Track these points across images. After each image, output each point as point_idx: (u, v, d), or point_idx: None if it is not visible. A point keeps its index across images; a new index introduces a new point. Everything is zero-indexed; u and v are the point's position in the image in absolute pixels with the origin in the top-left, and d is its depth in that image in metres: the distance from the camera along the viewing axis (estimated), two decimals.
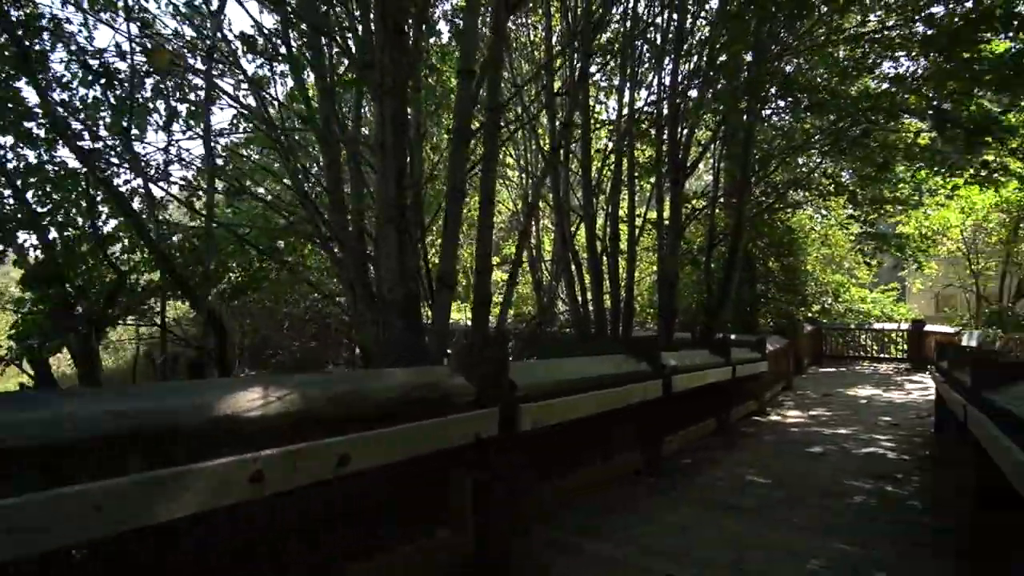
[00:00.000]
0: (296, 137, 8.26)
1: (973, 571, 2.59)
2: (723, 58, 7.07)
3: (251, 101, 6.44)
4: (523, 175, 15.22)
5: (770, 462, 4.54)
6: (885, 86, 8.89)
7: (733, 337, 9.49)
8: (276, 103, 6.31)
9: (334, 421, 1.77)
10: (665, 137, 8.69)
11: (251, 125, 7.39)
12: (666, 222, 8.72)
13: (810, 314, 13.65)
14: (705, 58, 8.30)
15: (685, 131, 8.76)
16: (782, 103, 9.79)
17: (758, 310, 14.20)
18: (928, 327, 10.92)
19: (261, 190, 9.03)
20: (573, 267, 9.55)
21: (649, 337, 8.18)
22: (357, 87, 5.48)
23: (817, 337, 12.25)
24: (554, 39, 10.04)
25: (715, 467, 4.34)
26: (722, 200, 10.43)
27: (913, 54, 8.87)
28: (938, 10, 7.85)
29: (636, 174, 10.14)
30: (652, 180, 9.39)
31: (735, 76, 7.61)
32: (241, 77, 6.36)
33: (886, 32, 8.65)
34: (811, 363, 11.81)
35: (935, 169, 9.55)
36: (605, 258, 8.94)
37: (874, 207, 12.03)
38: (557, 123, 8.59)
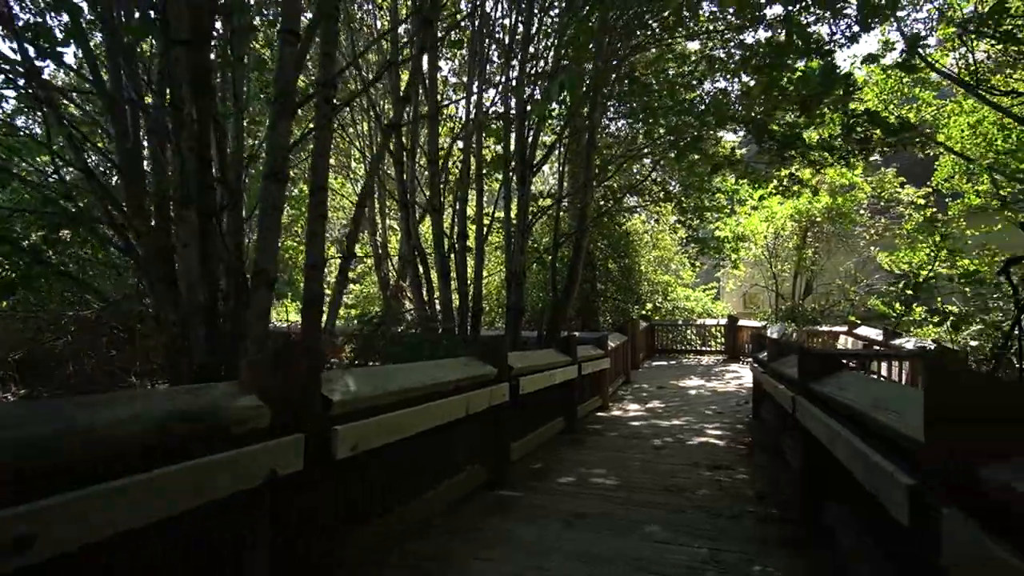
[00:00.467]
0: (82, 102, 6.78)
1: (811, 558, 2.62)
2: (569, 51, 7.12)
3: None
4: (366, 163, 14.40)
5: (616, 460, 4.50)
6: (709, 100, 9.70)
7: (578, 335, 9.73)
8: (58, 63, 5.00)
9: (30, 478, 1.15)
10: (513, 133, 8.60)
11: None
12: (514, 221, 8.63)
13: (644, 312, 14.63)
14: (551, 55, 8.35)
15: (531, 130, 8.77)
16: (621, 108, 10.28)
17: (599, 309, 14.91)
18: (741, 322, 12.25)
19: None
20: (419, 264, 9.09)
21: (495, 337, 7.99)
22: (140, 35, 4.49)
23: (650, 333, 13.16)
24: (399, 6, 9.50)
25: (565, 470, 4.18)
26: (567, 201, 10.67)
27: (729, 76, 9.92)
28: (750, 38, 8.78)
29: (484, 171, 9.98)
30: (500, 177, 9.28)
31: (581, 61, 7.74)
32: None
33: (710, 53, 9.53)
34: (646, 357, 12.60)
35: (747, 181, 10.66)
36: (453, 255, 8.62)
37: (696, 214, 13.21)
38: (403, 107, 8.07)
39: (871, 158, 8.05)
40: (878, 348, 7.60)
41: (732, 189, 13.03)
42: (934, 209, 10.56)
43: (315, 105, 5.18)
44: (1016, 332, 3.86)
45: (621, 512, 3.23)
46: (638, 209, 15.21)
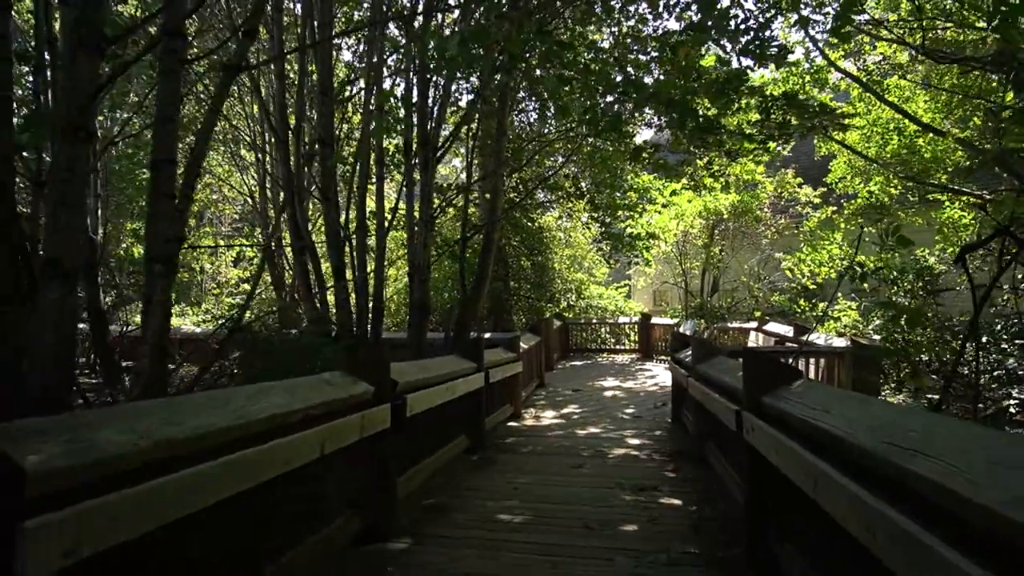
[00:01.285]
0: None
1: None
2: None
3: None
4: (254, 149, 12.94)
5: (528, 487, 3.81)
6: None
7: (489, 335, 9.02)
8: None
9: None
10: (415, 110, 7.73)
11: None
12: (417, 211, 7.77)
13: (557, 310, 14.20)
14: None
15: (436, 108, 7.96)
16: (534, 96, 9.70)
17: (512, 308, 14.33)
18: (653, 320, 12.11)
19: None
20: (309, 260, 8.01)
21: (371, 345, 7.08)
22: None
23: (564, 332, 12.75)
24: None
25: (466, 505, 3.43)
26: (476, 192, 9.96)
27: (641, 65, 9.65)
28: (662, 25, 8.50)
29: (386, 158, 9.04)
30: (402, 162, 8.39)
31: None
32: None
33: (623, 41, 9.18)
34: (560, 358, 12.15)
35: (661, 175, 10.45)
36: (350, 250, 7.63)
37: (609, 211, 12.94)
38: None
39: (790, 143, 7.97)
40: (792, 344, 7.50)
41: (644, 186, 12.87)
42: (833, 208, 10.87)
43: (161, 59, 4.13)
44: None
45: (536, 571, 2.52)
46: (551, 205, 14.79)
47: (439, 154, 8.10)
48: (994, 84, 7.67)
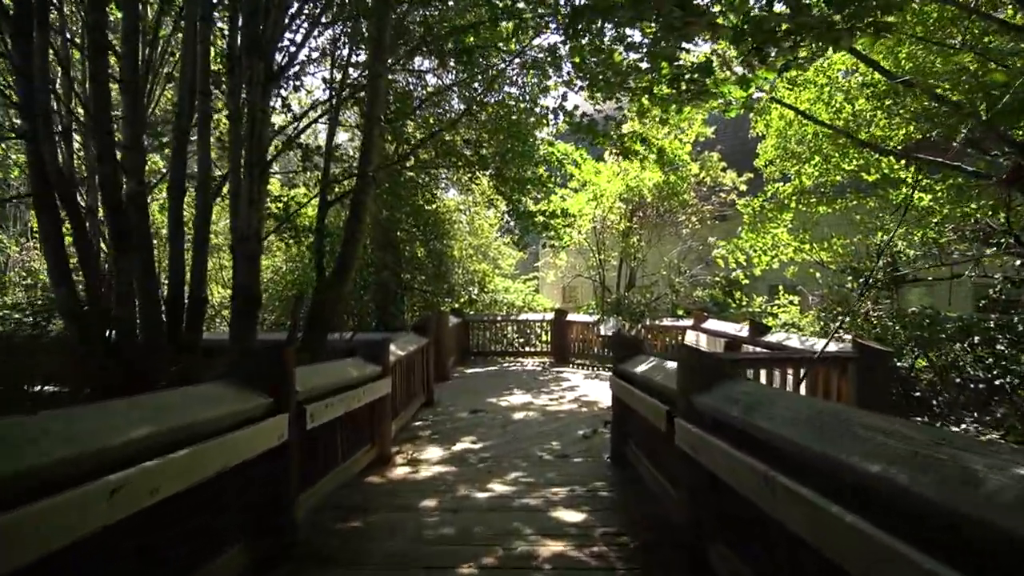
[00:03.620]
0: None
1: None
2: None
3: None
4: None
5: None
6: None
7: (348, 337, 6.64)
8: None
9: None
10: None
11: None
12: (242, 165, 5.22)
13: (457, 305, 11.98)
14: None
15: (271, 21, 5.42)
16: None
17: (404, 301, 11.92)
18: (570, 316, 10.25)
19: None
20: (70, 219, 5.19)
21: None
22: None
23: (464, 331, 10.54)
24: None
25: None
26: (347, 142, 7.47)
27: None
28: None
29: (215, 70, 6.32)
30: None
31: None
32: None
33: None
34: (457, 362, 9.93)
35: (582, 138, 8.56)
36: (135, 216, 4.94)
37: (518, 187, 10.91)
38: None
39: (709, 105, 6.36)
40: (763, 348, 5.77)
41: (559, 158, 10.95)
42: (769, 193, 9.49)
43: None
44: None
45: None
46: (448, 179, 12.54)
47: (284, 71, 5.58)
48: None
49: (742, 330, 6.80)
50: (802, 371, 4.47)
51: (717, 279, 12.23)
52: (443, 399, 6.85)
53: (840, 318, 6.52)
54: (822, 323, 6.95)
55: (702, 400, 2.31)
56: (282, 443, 2.40)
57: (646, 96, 6.27)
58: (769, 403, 1.94)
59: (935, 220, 6.97)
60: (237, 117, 5.34)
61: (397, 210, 11.44)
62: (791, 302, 8.81)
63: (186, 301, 5.28)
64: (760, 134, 10.58)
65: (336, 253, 6.43)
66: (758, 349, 5.74)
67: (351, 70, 6.69)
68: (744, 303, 9.77)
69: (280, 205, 6.73)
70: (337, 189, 7.04)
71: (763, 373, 4.71)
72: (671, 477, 2.80)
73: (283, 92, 6.75)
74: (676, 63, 4.97)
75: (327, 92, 6.78)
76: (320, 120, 7.08)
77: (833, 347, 4.88)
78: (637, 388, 3.40)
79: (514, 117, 9.65)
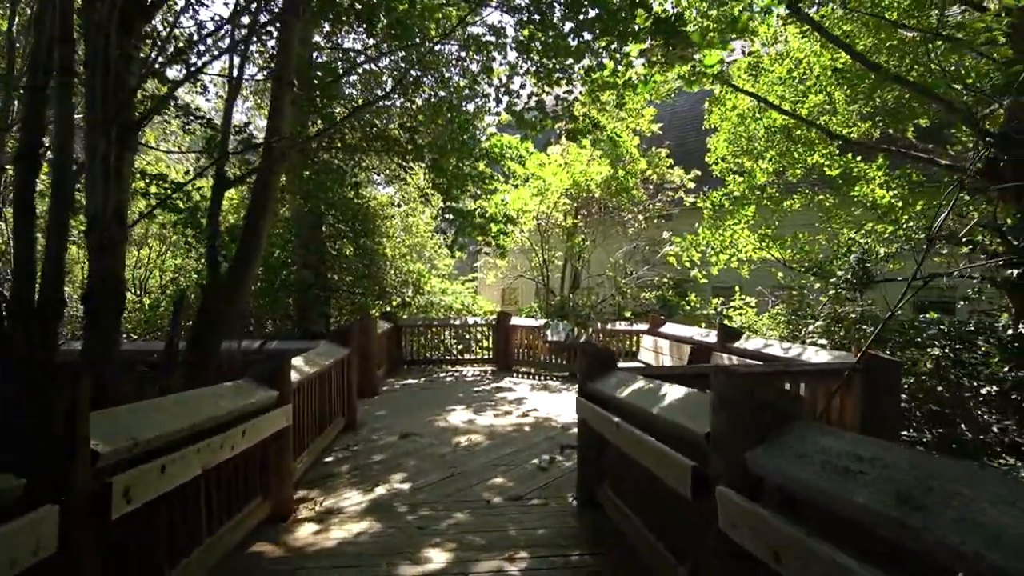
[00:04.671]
0: None
1: None
2: None
3: None
4: None
5: None
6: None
7: (256, 346, 5.48)
8: None
9: None
10: None
11: None
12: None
13: (389, 308, 10.85)
14: None
15: None
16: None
17: (330, 306, 10.66)
18: (514, 320, 9.35)
19: None
20: None
21: None
22: None
23: (396, 337, 9.43)
24: None
25: None
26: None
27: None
28: None
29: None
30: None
31: None
32: None
33: None
34: (389, 373, 8.82)
35: (526, 135, 7.78)
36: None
37: (455, 181, 9.93)
38: None
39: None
40: (734, 357, 5.07)
41: (501, 151, 10.06)
42: (731, 188, 8.97)
43: None
44: None
45: None
46: (377, 171, 11.41)
47: (159, 4, 4.37)
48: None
49: (708, 335, 6.13)
50: (833, 389, 3.75)
51: (665, 280, 11.73)
52: (369, 420, 5.78)
53: (810, 322, 5.97)
54: (789, 326, 6.39)
55: (761, 459, 1.45)
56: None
57: (611, 63, 5.53)
58: (889, 467, 1.11)
59: (904, 219, 6.56)
60: (98, 64, 4.10)
61: (321, 202, 10.20)
62: (748, 304, 8.31)
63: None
64: (713, 126, 10.12)
65: (234, 242, 5.23)
66: (734, 358, 5.04)
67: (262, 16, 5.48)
68: (698, 305, 9.22)
69: (166, 186, 5.45)
70: (240, 167, 5.83)
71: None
72: (695, 567, 1.92)
73: (160, 30, 5.48)
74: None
75: (227, 41, 5.54)
76: (218, 76, 5.82)
77: (826, 356, 4.22)
78: (627, 421, 2.52)
79: (454, 101, 8.68)
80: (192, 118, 6.20)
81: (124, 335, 10.80)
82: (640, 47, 5.22)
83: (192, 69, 5.26)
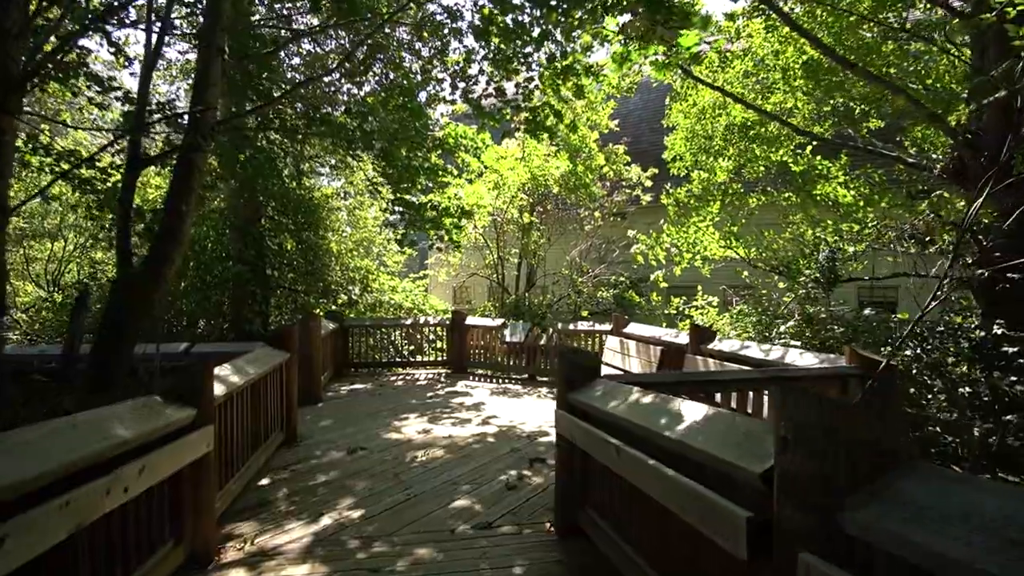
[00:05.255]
0: None
1: None
2: None
3: None
4: None
5: None
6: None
7: (182, 349, 4.82)
8: None
9: None
10: None
11: None
12: None
13: (334, 307, 10.14)
14: None
15: None
16: None
17: (270, 304, 9.85)
18: (469, 319, 8.85)
19: None
20: None
21: None
22: None
23: (342, 339, 8.75)
24: None
25: None
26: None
27: None
28: None
29: None
30: None
31: None
32: None
33: None
34: (334, 377, 8.16)
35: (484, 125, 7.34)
36: None
37: (407, 173, 9.34)
38: None
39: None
40: (710, 360, 4.76)
41: (456, 143, 9.52)
42: (691, 186, 8.76)
43: None
44: None
45: None
46: (321, 160, 10.69)
47: None
48: None
49: (678, 336, 5.84)
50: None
51: (622, 279, 11.51)
52: (312, 432, 5.16)
53: (780, 322, 5.78)
54: (758, 326, 6.19)
55: (869, 518, 1.05)
56: None
57: (587, 38, 5.13)
58: None
59: (870, 218, 6.49)
60: None
61: (259, 191, 9.41)
62: (709, 303, 8.13)
63: None
64: (672, 124, 9.95)
65: (153, 228, 4.50)
66: (711, 361, 4.74)
67: None
68: (658, 304, 9.00)
69: (64, 162, 4.63)
70: (161, 144, 5.07)
71: (738, 398, 3.64)
72: None
73: None
74: None
75: None
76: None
77: (812, 359, 3.95)
78: (631, 445, 2.09)
79: (406, 85, 8.10)
80: (107, 89, 5.38)
81: (29, 337, 9.60)
82: (615, 22, 4.86)
83: (97, 16, 4.48)
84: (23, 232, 13.63)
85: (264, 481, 3.87)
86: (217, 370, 3.23)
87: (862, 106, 6.70)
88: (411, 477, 3.96)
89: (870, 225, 6.39)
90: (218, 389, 2.96)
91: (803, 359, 4.02)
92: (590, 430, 2.52)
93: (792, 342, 5.52)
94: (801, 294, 5.74)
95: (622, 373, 6.34)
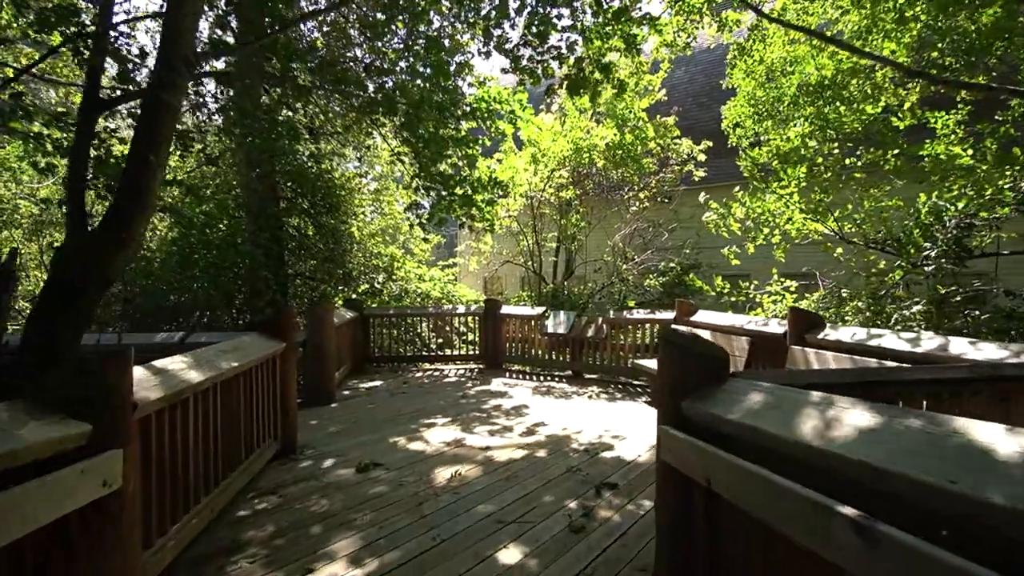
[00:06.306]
0: None
1: None
2: None
3: None
4: None
5: None
6: None
7: (178, 339, 3.93)
8: None
9: None
10: None
11: None
12: None
13: (355, 295, 9.25)
14: None
15: None
16: None
17: (288, 291, 9.01)
18: (504, 309, 7.83)
19: None
20: None
21: None
22: None
23: (362, 330, 7.82)
24: None
25: None
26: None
27: None
28: None
29: None
30: None
31: None
32: None
33: None
34: (352, 371, 7.24)
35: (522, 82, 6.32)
36: None
37: (434, 146, 8.33)
38: None
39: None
40: (829, 353, 3.65)
41: (490, 100, 8.46)
42: (771, 146, 7.52)
43: None
44: None
45: None
46: (342, 139, 9.74)
47: None
48: None
49: (767, 324, 4.70)
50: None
51: (672, 265, 10.31)
52: (317, 440, 4.20)
53: (905, 305, 4.58)
54: (870, 311, 4.99)
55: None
56: None
57: None
58: None
59: (1003, 182, 5.21)
60: None
61: (274, 171, 8.58)
62: (787, 289, 6.93)
63: None
64: (732, 86, 8.75)
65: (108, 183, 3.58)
66: (827, 355, 3.60)
67: None
68: (725, 290, 7.82)
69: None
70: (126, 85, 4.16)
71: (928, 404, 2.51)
72: None
73: None
74: None
75: None
76: None
77: (997, 351, 2.79)
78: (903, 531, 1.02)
79: (431, 33, 7.09)
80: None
81: None
82: None
83: None
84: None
85: (244, 511, 2.91)
86: (162, 363, 2.27)
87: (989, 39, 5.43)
88: (438, 509, 2.94)
89: (1004, 190, 5.12)
90: (153, 392, 1.99)
91: (978, 351, 2.87)
92: (735, 462, 1.45)
93: (924, 328, 4.33)
94: (930, 271, 4.53)
95: None
